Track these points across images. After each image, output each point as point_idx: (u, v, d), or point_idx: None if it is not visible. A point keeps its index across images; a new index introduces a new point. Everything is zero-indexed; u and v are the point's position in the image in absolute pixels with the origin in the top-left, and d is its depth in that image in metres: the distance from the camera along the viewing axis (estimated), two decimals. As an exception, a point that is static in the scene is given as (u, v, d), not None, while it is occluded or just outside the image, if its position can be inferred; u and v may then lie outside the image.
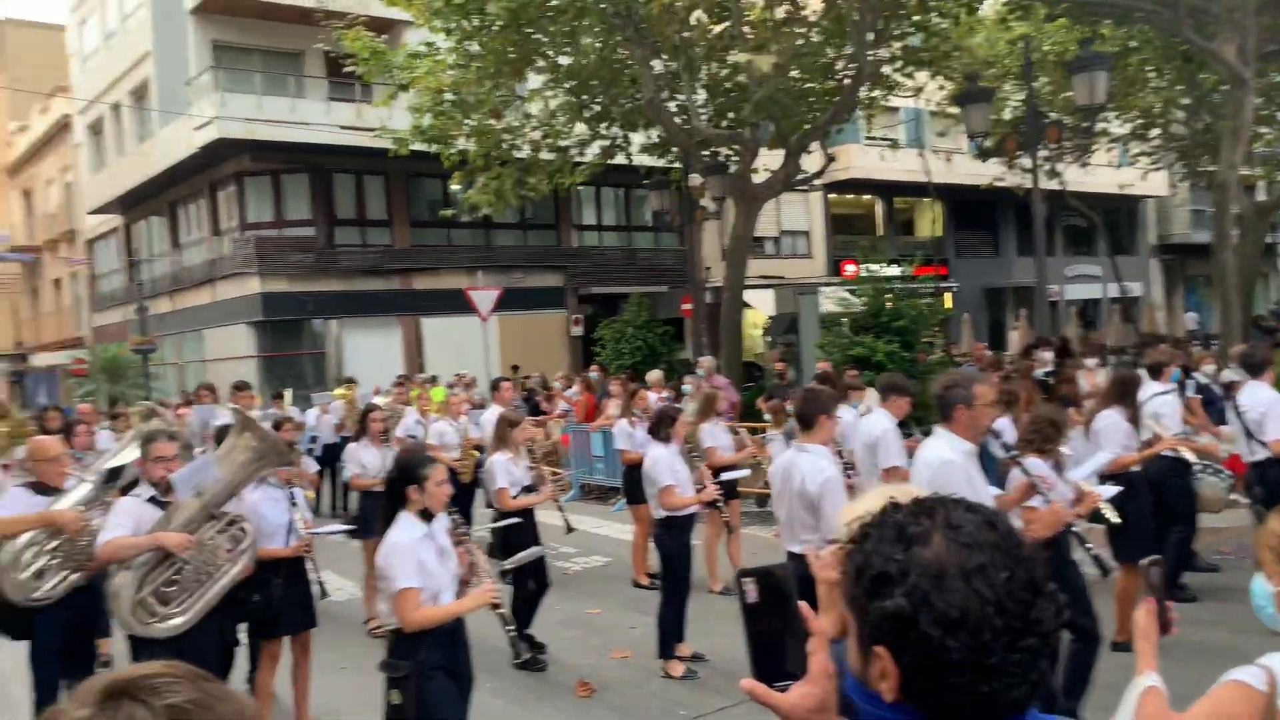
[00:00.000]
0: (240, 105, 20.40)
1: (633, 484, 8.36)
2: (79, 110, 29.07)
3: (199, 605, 4.51)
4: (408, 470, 4.09)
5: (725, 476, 7.53)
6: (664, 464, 6.34)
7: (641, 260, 26.17)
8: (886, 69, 15.55)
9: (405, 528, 4.00)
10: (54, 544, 4.88)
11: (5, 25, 38.27)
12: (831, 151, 16.33)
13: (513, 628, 4.52)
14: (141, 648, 4.45)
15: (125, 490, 4.87)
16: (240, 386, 10.35)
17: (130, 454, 5.00)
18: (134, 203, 26.55)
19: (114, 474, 5.20)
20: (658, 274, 25.33)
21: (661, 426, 6.49)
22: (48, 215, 34.34)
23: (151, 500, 4.61)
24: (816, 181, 16.59)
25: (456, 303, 19.22)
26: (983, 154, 18.77)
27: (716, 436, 8.36)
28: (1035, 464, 4.74)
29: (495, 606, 4.22)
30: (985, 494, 4.03)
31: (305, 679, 5.66)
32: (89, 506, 5.00)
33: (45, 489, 5.06)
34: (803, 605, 1.56)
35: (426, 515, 4.07)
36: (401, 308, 22.88)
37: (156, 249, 26.92)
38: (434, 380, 18.82)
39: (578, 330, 24.37)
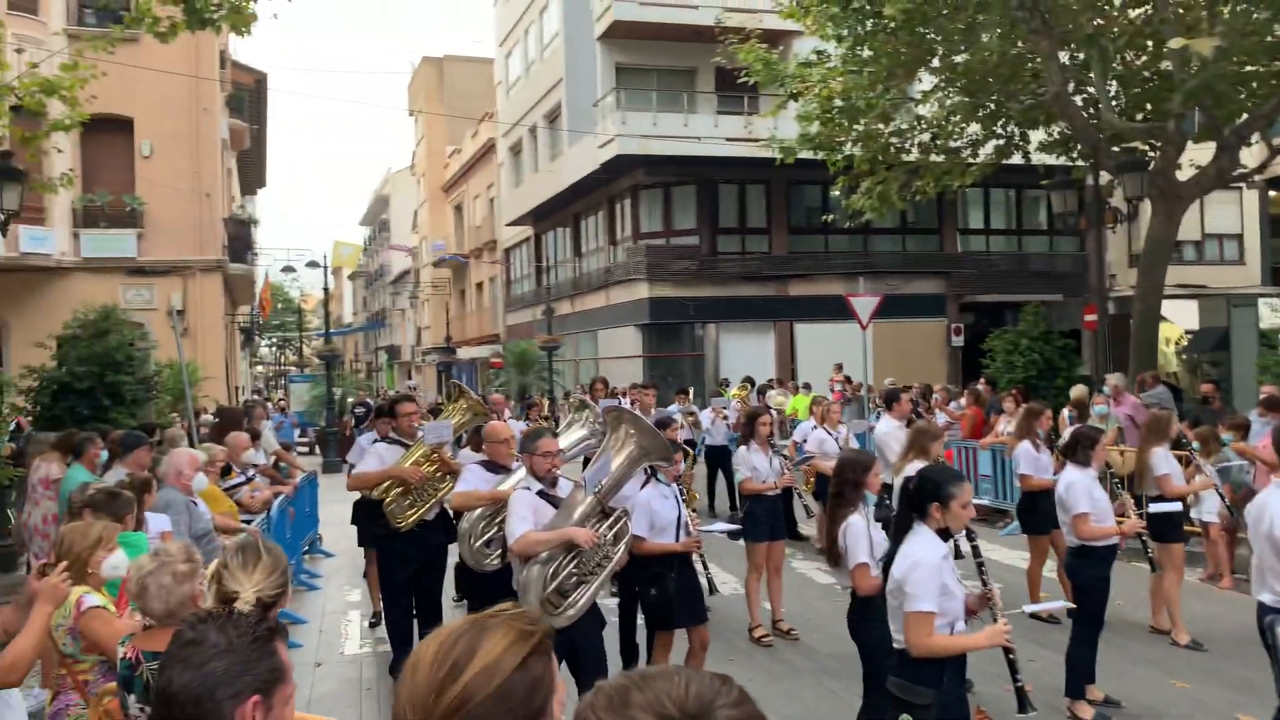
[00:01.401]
0: (638, 123, 21.94)
1: (1031, 512, 7.73)
2: (502, 134, 32.99)
3: (588, 595, 4.71)
4: (935, 486, 3.82)
5: (1155, 508, 6.74)
6: (1080, 489, 5.82)
7: (1034, 267, 24.42)
8: (1358, 40, 13.13)
9: (930, 544, 3.76)
10: (500, 517, 5.52)
11: (444, 61, 44.48)
12: (1277, 142, 14.11)
13: (1021, 678, 3.98)
14: None
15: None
16: (646, 386, 11.10)
17: (566, 440, 5.52)
18: (543, 215, 29.64)
19: None
20: (1051, 282, 23.49)
21: (1080, 448, 5.95)
22: (474, 227, 39.43)
23: (540, 494, 4.87)
24: (1256, 177, 14.43)
25: (830, 309, 19.16)
26: None
27: (1170, 463, 7.37)
28: None
29: (1007, 650, 3.83)
30: None
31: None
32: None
33: (496, 467, 5.77)
34: None
35: (944, 534, 3.81)
36: (776, 313, 23.30)
37: (560, 257, 29.81)
38: (807, 387, 18.95)
39: (958, 340, 23.28)
